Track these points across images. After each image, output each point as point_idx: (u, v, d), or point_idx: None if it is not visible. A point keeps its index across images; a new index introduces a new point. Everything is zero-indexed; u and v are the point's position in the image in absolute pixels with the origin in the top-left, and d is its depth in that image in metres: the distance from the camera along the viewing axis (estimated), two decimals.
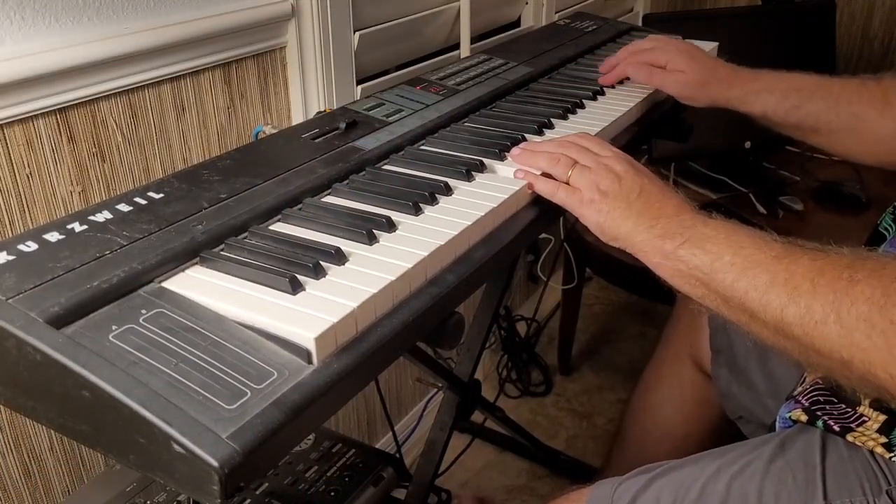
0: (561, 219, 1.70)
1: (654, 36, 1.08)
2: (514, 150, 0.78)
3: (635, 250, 0.70)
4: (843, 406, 0.75)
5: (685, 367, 1.16)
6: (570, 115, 0.93)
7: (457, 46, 1.34)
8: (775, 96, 0.96)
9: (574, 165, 0.73)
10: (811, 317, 0.57)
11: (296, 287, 0.53)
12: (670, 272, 0.68)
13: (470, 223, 0.65)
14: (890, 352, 0.53)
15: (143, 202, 0.62)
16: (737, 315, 0.64)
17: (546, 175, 0.75)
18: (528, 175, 0.74)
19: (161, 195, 0.63)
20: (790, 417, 0.78)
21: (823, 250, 0.61)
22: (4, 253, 0.53)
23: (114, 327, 0.48)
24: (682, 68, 0.98)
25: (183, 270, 0.56)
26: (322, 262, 0.56)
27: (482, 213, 0.67)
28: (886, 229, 0.85)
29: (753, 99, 0.97)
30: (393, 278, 0.56)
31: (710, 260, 0.64)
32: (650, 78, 1.00)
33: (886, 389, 0.55)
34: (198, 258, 0.57)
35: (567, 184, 0.73)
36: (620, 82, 1.05)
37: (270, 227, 0.63)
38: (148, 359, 0.46)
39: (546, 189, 0.74)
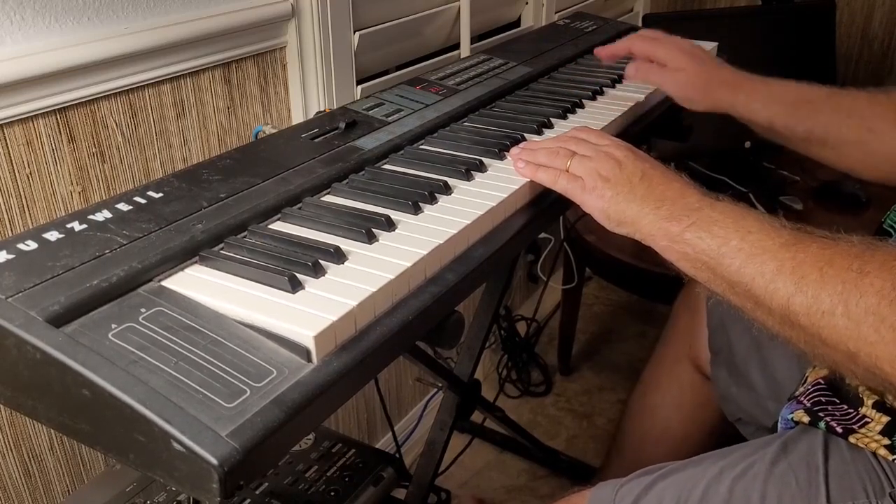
0: (561, 218, 1.71)
1: (662, 33, 1.03)
2: (514, 150, 0.78)
3: (642, 234, 0.69)
4: (846, 407, 0.75)
5: (684, 369, 1.16)
6: (570, 115, 0.93)
7: (457, 46, 1.34)
8: (785, 107, 0.93)
9: (573, 156, 0.73)
10: (818, 307, 0.57)
11: (295, 286, 0.53)
12: (677, 255, 0.67)
13: (469, 222, 0.65)
14: None
15: (143, 201, 0.62)
16: (742, 301, 0.64)
17: None
18: (528, 165, 0.74)
19: (161, 194, 0.63)
20: (792, 419, 0.78)
21: (833, 238, 0.60)
22: (4, 252, 0.53)
23: (113, 326, 0.48)
24: (683, 66, 0.95)
25: (182, 269, 0.56)
26: (321, 261, 0.56)
27: (482, 213, 0.67)
28: (892, 226, 0.85)
29: (760, 107, 0.93)
30: (392, 277, 0.56)
31: (717, 244, 0.64)
32: (648, 75, 0.97)
33: (892, 384, 0.54)
34: (197, 257, 0.57)
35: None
36: (619, 81, 1.05)
37: (270, 227, 0.63)
38: (147, 357, 0.46)
39: (546, 178, 0.73)
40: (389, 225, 0.63)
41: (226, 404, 0.44)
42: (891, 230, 0.85)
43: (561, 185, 0.72)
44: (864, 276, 0.55)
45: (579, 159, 0.73)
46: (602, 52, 1.02)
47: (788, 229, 0.63)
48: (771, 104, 0.93)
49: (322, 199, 0.69)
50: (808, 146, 0.96)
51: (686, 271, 0.67)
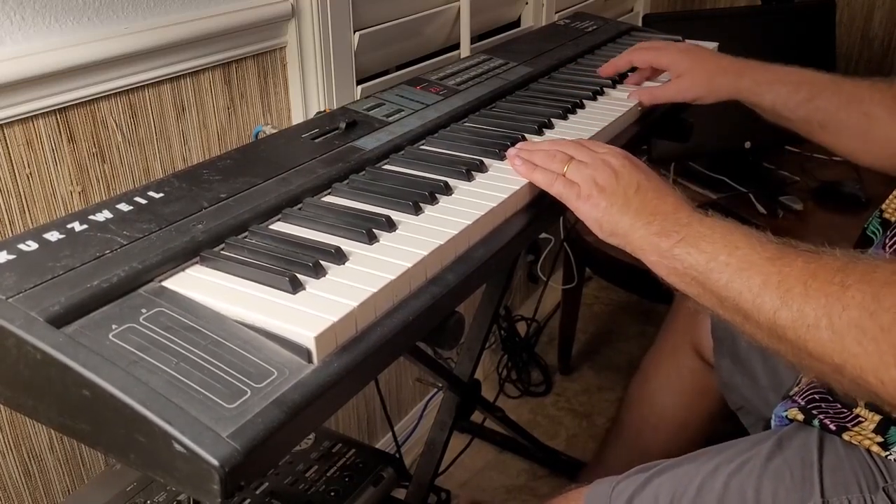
0: (561, 219, 1.71)
1: (655, 39, 1.08)
2: (511, 150, 0.78)
3: (633, 248, 0.70)
4: (839, 406, 0.75)
5: (685, 356, 1.16)
6: (570, 115, 0.93)
7: (457, 46, 1.34)
8: (787, 88, 0.95)
9: (570, 161, 0.73)
10: (803, 321, 0.57)
11: (296, 286, 0.53)
12: (666, 270, 0.68)
13: (470, 223, 0.65)
14: (881, 358, 0.53)
15: (144, 202, 0.62)
16: (732, 315, 0.64)
17: None
18: (524, 164, 0.74)
19: (161, 195, 0.63)
20: (787, 416, 0.79)
21: (817, 252, 0.60)
22: (5, 252, 0.53)
23: (114, 326, 0.48)
24: (684, 70, 0.98)
25: (183, 270, 0.56)
26: (322, 262, 0.56)
27: (482, 213, 0.67)
28: (874, 233, 0.86)
29: (765, 90, 0.96)
30: (393, 277, 0.56)
31: (706, 259, 0.64)
32: (654, 96, 0.99)
33: (878, 395, 0.55)
34: (198, 257, 0.57)
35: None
36: (620, 81, 1.06)
37: (270, 227, 0.63)
38: (148, 358, 0.46)
39: (542, 179, 0.73)
40: (390, 225, 0.63)
41: (226, 405, 0.44)
42: (873, 236, 0.85)
43: (557, 190, 0.73)
44: (846, 290, 0.56)
45: (576, 165, 0.73)
46: (605, 70, 1.05)
47: (774, 244, 0.63)
48: (775, 86, 0.96)
49: (322, 199, 0.69)
50: (809, 129, 0.98)
51: (676, 286, 0.68)
